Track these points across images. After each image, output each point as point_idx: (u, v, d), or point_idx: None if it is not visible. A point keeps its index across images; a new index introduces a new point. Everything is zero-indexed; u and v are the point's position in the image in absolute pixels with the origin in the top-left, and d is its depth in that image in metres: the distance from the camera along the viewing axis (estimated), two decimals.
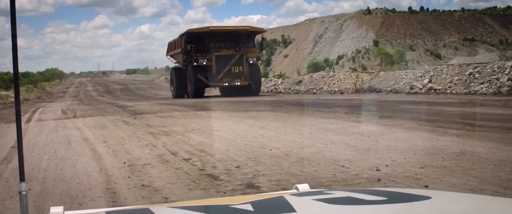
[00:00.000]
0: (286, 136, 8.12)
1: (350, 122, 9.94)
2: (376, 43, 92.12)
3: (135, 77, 74.41)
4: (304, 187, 1.50)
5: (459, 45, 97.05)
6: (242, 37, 25.65)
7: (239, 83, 24.71)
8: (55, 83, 59.09)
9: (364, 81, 29.30)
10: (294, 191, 1.48)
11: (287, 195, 1.36)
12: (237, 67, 24.82)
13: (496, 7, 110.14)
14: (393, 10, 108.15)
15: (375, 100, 18.37)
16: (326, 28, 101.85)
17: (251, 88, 24.87)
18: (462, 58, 59.45)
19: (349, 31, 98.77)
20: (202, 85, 24.62)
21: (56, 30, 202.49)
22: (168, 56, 29.50)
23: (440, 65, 27.18)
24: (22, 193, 1.48)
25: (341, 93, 27.72)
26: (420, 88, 23.86)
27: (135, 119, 12.42)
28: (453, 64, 26.55)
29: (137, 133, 9.34)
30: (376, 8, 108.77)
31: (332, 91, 28.71)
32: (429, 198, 1.27)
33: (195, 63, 24.24)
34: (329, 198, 1.30)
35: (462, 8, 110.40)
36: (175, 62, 28.69)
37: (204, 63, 24.37)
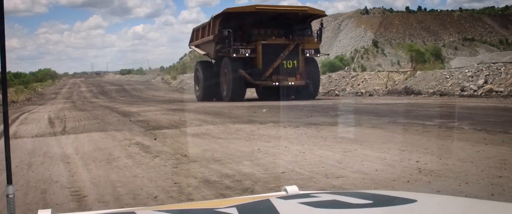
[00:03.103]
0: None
1: None
2: (375, 43, 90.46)
3: (130, 77, 69.74)
4: (292, 189, 1.44)
5: (459, 45, 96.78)
6: (296, 22, 19.92)
7: (293, 83, 18.81)
8: (47, 84, 55.14)
9: (396, 82, 26.03)
10: (283, 193, 1.44)
11: (274, 198, 1.31)
12: (291, 62, 18.94)
13: (494, 7, 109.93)
14: (391, 10, 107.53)
15: (456, 106, 14.06)
16: (324, 28, 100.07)
17: (307, 90, 19.12)
18: (463, 59, 56.29)
19: (348, 31, 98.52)
20: (244, 84, 18.87)
21: (50, 31, 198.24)
22: (193, 47, 23.20)
23: (494, 63, 23.31)
24: (9, 196, 1.45)
25: (370, 95, 24.59)
26: (475, 90, 20.29)
27: (155, 139, 7.83)
28: (511, 63, 22.77)
29: (180, 181, 4.78)
30: (374, 8, 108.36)
31: (359, 93, 25.62)
32: (414, 201, 1.24)
33: (234, 55, 18.48)
34: (315, 202, 1.27)
35: (460, 8, 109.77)
36: (203, 54, 22.20)
37: (247, 54, 18.66)
